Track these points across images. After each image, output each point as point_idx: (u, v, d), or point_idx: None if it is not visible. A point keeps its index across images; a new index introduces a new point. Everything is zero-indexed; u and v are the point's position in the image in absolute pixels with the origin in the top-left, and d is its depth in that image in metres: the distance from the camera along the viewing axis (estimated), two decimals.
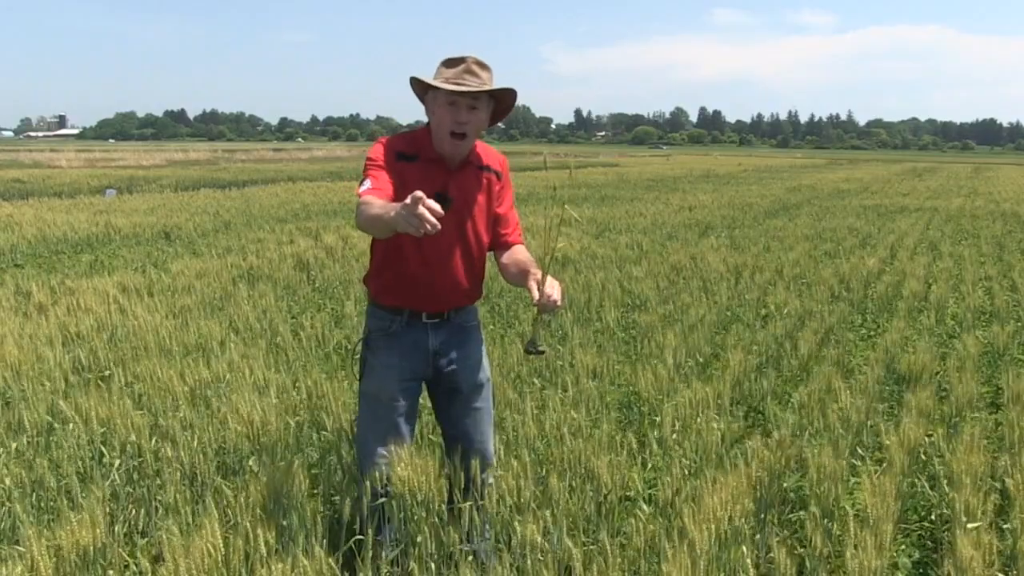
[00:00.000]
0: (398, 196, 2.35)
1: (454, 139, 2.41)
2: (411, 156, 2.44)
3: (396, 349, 2.52)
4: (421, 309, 2.51)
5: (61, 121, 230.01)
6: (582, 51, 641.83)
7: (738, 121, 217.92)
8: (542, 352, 2.48)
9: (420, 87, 2.45)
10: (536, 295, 2.35)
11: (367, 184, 2.36)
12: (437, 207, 1.98)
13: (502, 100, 2.48)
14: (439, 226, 1.98)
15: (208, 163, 37.05)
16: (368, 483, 2.47)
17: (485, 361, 2.71)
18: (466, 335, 2.63)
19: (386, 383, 2.52)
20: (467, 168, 2.50)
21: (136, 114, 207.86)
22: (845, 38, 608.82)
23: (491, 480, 2.60)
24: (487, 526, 2.55)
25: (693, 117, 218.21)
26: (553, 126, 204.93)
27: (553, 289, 2.37)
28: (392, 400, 2.52)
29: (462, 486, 2.51)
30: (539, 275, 2.37)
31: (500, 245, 2.63)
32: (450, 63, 2.40)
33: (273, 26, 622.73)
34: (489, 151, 2.59)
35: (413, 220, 1.96)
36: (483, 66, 2.40)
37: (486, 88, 2.38)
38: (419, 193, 1.96)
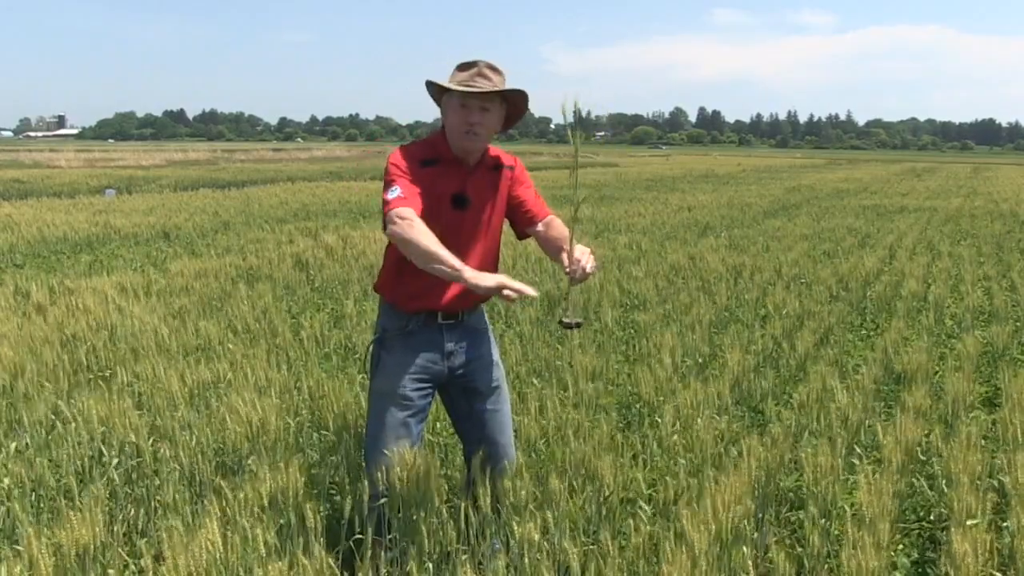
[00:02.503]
0: (425, 202, 2.40)
1: (466, 138, 2.46)
2: (432, 160, 2.49)
3: (411, 347, 2.54)
4: (439, 310, 2.53)
5: (60, 121, 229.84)
6: (582, 51, 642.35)
7: (737, 121, 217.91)
8: (576, 326, 2.45)
9: (436, 91, 2.50)
10: (567, 265, 2.38)
11: (396, 191, 2.38)
12: (530, 291, 2.26)
13: (515, 104, 2.54)
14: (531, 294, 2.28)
15: (207, 163, 37.02)
16: (373, 482, 2.47)
17: (500, 362, 2.74)
18: (479, 336, 2.66)
19: (400, 381, 2.52)
20: (483, 169, 2.56)
21: (135, 114, 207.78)
22: (845, 38, 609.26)
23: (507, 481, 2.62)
24: (486, 527, 2.56)
25: (692, 117, 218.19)
26: (552, 126, 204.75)
27: (583, 255, 2.39)
28: (405, 399, 2.53)
29: (488, 489, 2.50)
30: (571, 243, 2.40)
31: (531, 222, 2.65)
32: (463, 67, 2.45)
33: (273, 26, 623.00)
34: (502, 153, 2.65)
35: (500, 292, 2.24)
36: (495, 70, 2.44)
37: (495, 89, 2.42)
38: (506, 281, 2.24)
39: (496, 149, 2.63)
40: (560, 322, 2.46)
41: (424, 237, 2.29)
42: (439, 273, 2.29)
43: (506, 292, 2.23)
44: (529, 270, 7.90)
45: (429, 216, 2.42)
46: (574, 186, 2.45)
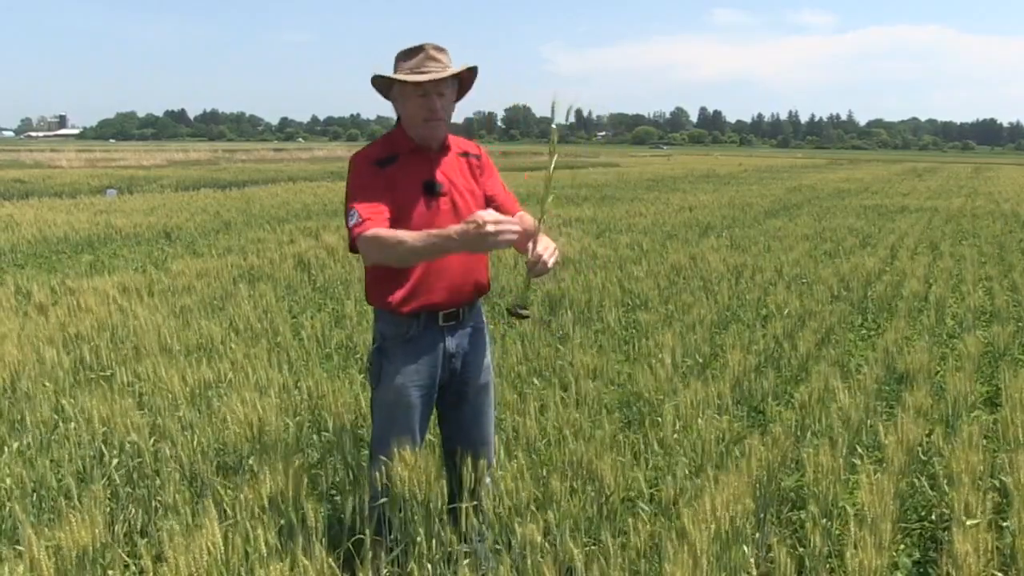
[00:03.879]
0: (391, 202, 2.37)
1: (428, 126, 2.42)
2: (390, 158, 2.44)
3: (413, 355, 2.48)
4: (437, 308, 2.48)
5: (62, 121, 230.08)
6: (582, 51, 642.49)
7: (738, 121, 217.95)
8: (525, 316, 2.42)
9: (383, 85, 2.45)
10: (529, 256, 2.35)
11: (355, 216, 2.33)
12: (502, 217, 2.14)
13: (463, 79, 2.51)
14: (517, 229, 2.14)
15: (208, 163, 37.07)
16: (373, 482, 2.46)
17: (491, 363, 2.72)
18: (478, 337, 2.62)
19: (404, 390, 2.47)
20: (447, 154, 2.52)
21: (136, 114, 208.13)
22: (845, 38, 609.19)
23: (489, 480, 2.60)
24: (485, 526, 2.55)
25: (694, 117, 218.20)
26: (553, 126, 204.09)
27: (545, 250, 2.36)
28: (409, 407, 2.48)
29: (467, 486, 2.50)
30: (536, 235, 2.37)
31: None
32: (407, 55, 2.40)
33: (273, 26, 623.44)
34: (460, 140, 2.60)
35: (495, 239, 2.10)
36: (440, 49, 2.41)
37: (451, 73, 2.39)
38: (480, 215, 2.11)
39: (457, 138, 2.59)
40: (509, 310, 2.44)
41: (393, 239, 2.24)
42: (434, 252, 2.23)
43: (488, 229, 2.10)
44: None
45: (403, 211, 2.40)
46: (547, 181, 2.41)
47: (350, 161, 2.47)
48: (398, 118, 2.50)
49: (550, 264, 2.37)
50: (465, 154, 2.58)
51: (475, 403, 2.63)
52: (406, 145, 2.47)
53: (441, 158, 2.50)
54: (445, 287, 2.47)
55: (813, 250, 9.93)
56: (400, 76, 2.36)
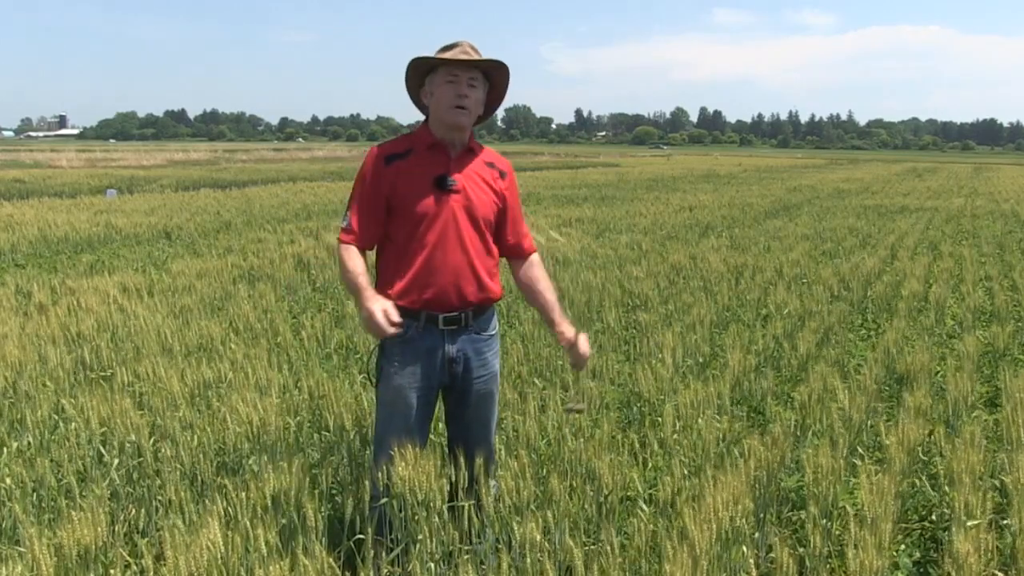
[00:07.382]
0: (396, 202, 2.46)
1: (455, 113, 2.45)
2: (404, 152, 2.49)
3: (411, 356, 2.49)
4: (438, 310, 2.48)
5: (61, 121, 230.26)
6: (582, 51, 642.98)
7: (738, 121, 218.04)
8: (579, 411, 2.96)
9: (416, 78, 2.50)
10: (574, 355, 2.72)
11: (347, 219, 2.50)
12: (395, 317, 2.31)
13: (495, 85, 2.55)
14: (391, 331, 2.31)
15: (209, 163, 37.07)
16: (375, 482, 2.47)
17: (498, 370, 2.71)
18: (484, 344, 2.60)
19: (402, 390, 2.49)
20: (469, 156, 2.54)
21: (136, 114, 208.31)
22: (845, 38, 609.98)
23: (493, 482, 2.60)
24: (486, 527, 2.55)
25: (693, 117, 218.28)
26: (554, 126, 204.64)
27: (582, 343, 2.73)
28: (407, 407, 2.50)
29: (462, 486, 2.51)
30: (571, 331, 2.69)
31: (513, 254, 2.67)
32: (445, 48, 2.47)
33: (273, 26, 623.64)
34: (494, 154, 2.64)
35: (372, 328, 2.32)
36: (476, 49, 2.48)
37: (482, 58, 2.45)
38: (377, 309, 2.31)
39: (488, 149, 2.63)
40: (567, 408, 2.94)
41: (352, 276, 2.45)
42: (353, 296, 2.48)
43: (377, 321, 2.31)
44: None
45: (407, 205, 2.45)
46: None
47: (367, 154, 2.55)
48: (426, 118, 2.54)
49: (586, 357, 2.76)
50: (492, 164, 2.60)
51: (477, 408, 2.63)
52: (425, 140, 2.51)
53: (463, 158, 2.53)
54: (436, 285, 2.47)
55: (813, 250, 9.93)
56: (436, 55, 2.44)
